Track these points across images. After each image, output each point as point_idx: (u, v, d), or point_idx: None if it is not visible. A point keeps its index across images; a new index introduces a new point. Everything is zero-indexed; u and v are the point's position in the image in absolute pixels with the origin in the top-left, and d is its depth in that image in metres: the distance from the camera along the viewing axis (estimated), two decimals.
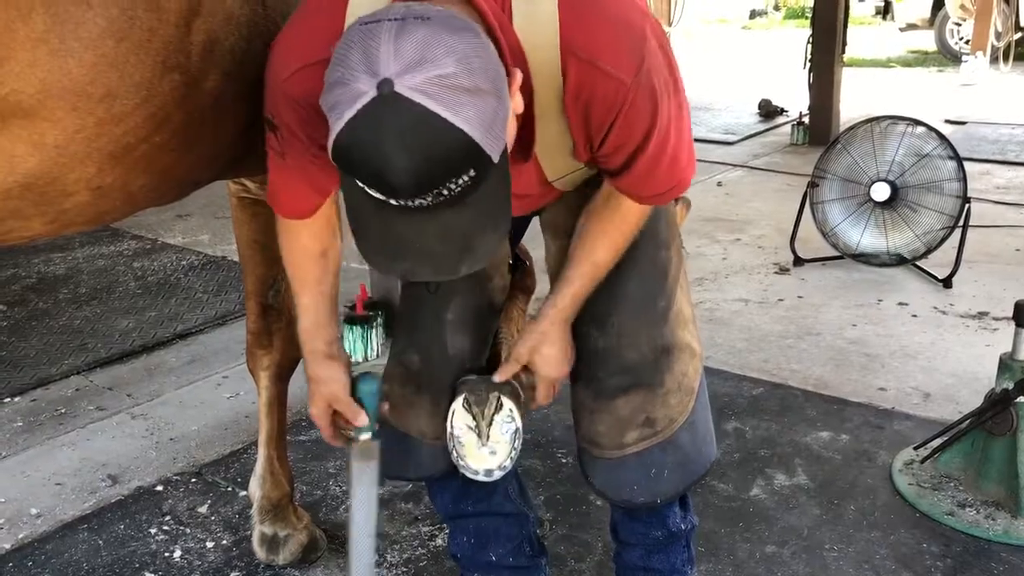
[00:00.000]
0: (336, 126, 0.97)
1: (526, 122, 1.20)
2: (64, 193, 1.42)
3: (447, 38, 0.97)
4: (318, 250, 1.48)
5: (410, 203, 1.00)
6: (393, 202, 1.01)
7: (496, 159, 1.02)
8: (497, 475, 1.52)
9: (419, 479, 1.70)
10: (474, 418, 1.50)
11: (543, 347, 1.48)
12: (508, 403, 1.50)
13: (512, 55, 1.15)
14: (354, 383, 1.48)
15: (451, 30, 0.99)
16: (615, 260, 1.46)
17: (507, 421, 1.49)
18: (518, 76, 1.10)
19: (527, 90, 1.17)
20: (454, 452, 1.53)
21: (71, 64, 1.28)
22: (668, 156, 1.31)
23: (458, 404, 1.52)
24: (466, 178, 0.99)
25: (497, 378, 1.51)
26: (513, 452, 1.51)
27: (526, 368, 1.52)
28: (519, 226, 1.73)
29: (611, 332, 1.51)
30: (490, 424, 1.50)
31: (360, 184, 1.02)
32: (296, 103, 1.22)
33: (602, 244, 1.43)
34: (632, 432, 1.50)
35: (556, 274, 1.54)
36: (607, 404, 1.51)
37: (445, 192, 0.99)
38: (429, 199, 0.99)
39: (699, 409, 1.57)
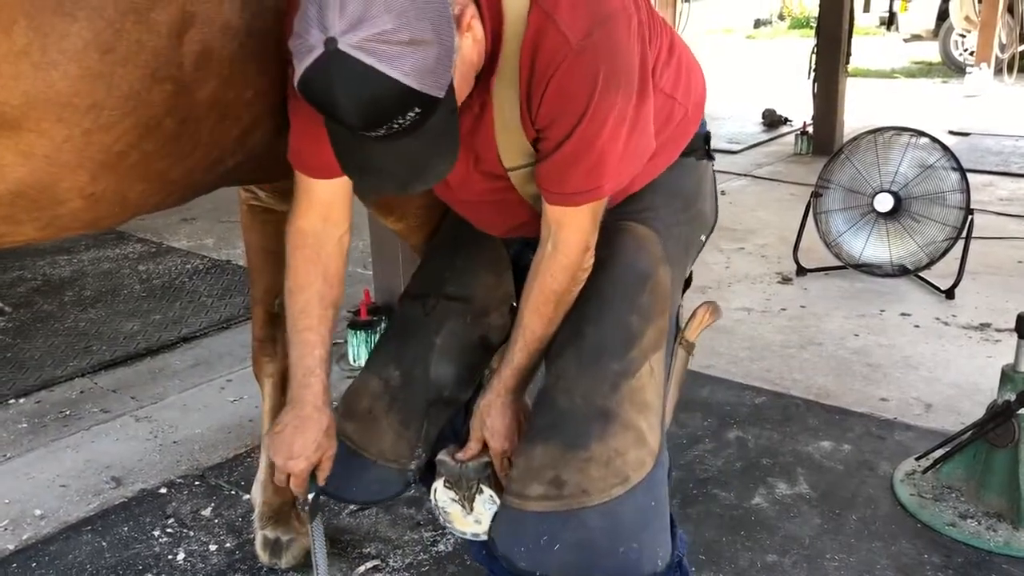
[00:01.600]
0: (296, 73, 1.13)
1: (492, 51, 1.27)
2: (56, 200, 1.43)
3: None
4: (331, 299, 1.52)
5: (368, 134, 1.15)
6: (356, 132, 1.16)
7: (440, 96, 1.13)
8: (483, 538, 1.50)
9: (360, 503, 1.68)
10: (456, 491, 1.51)
11: (487, 419, 1.47)
12: (487, 490, 1.48)
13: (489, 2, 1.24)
14: None
15: None
16: (550, 327, 1.45)
17: (489, 503, 1.48)
18: (470, 8, 1.20)
19: (495, 20, 1.25)
20: (441, 518, 1.55)
21: (55, 76, 1.29)
22: (595, 154, 1.31)
23: (439, 484, 1.52)
24: (412, 114, 1.12)
25: (461, 456, 1.49)
26: None
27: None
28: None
29: (552, 370, 1.44)
30: (472, 500, 1.50)
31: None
32: None
33: (535, 316, 1.44)
34: (538, 486, 1.36)
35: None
36: (526, 446, 1.41)
37: (395, 126, 1.13)
38: (383, 131, 1.14)
39: (629, 504, 1.35)
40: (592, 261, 1.44)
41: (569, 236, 1.39)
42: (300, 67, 1.12)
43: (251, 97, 1.51)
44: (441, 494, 1.53)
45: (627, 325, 1.42)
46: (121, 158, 1.43)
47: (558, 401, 1.40)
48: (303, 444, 1.47)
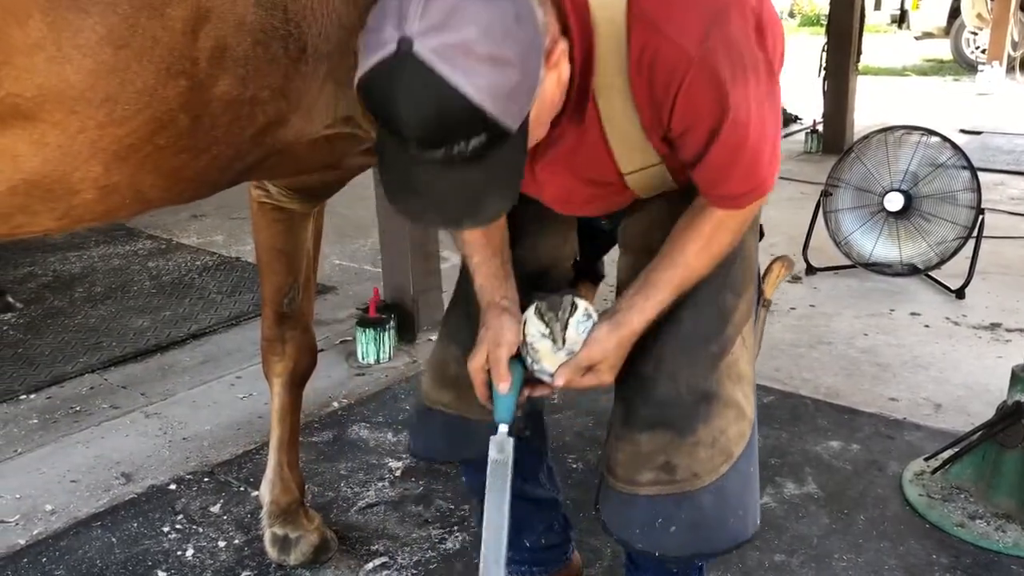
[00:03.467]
0: (361, 68, 1.04)
1: (581, 89, 1.19)
2: (71, 191, 1.45)
3: (479, 5, 1.00)
4: None
5: (424, 154, 1.05)
6: (411, 149, 1.06)
7: (513, 129, 1.04)
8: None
9: (480, 457, 1.56)
10: (547, 324, 1.43)
11: (612, 356, 1.39)
12: (582, 303, 1.43)
13: (575, 10, 1.14)
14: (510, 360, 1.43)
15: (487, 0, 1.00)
16: (708, 268, 1.36)
17: (584, 320, 1.42)
18: (561, 44, 1.11)
19: (586, 45, 1.16)
20: (529, 359, 1.46)
21: (69, 71, 1.30)
22: (749, 151, 1.22)
23: (530, 313, 1.45)
24: (476, 142, 1.03)
25: (559, 381, 1.41)
26: None
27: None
28: (596, 237, 1.66)
29: (650, 359, 1.41)
30: (565, 327, 1.42)
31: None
32: None
33: (694, 246, 1.33)
34: (648, 472, 1.39)
35: (625, 284, 1.47)
36: (630, 434, 1.41)
37: (455, 151, 1.03)
38: (440, 154, 1.04)
39: (734, 477, 1.40)
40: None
41: (738, 216, 1.34)
42: (365, 63, 1.03)
43: (267, 96, 1.51)
44: (531, 327, 1.44)
45: (722, 303, 1.42)
46: (134, 151, 1.44)
47: (660, 388, 1.41)
48: (497, 333, 1.42)
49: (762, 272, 1.67)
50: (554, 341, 1.42)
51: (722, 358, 1.41)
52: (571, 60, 1.15)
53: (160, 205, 1.68)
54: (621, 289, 1.48)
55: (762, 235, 1.60)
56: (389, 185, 1.14)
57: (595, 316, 1.42)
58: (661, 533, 1.38)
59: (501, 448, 1.43)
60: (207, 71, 1.45)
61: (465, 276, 1.61)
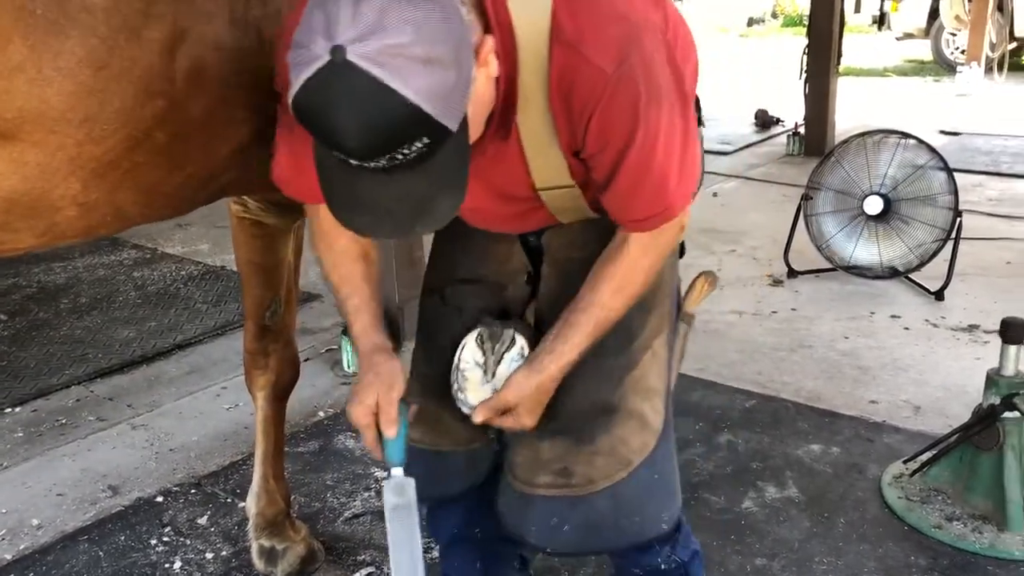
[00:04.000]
0: (293, 87, 1.00)
1: (507, 94, 1.21)
2: (52, 208, 1.47)
3: (407, 8, 0.98)
4: (359, 252, 1.46)
5: (367, 164, 1.03)
6: (352, 162, 1.04)
7: (453, 128, 1.03)
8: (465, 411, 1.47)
9: (461, 492, 1.61)
10: (484, 354, 1.47)
11: (530, 401, 1.41)
12: (521, 341, 1.46)
13: (500, 30, 1.16)
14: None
15: (414, 0, 0.99)
16: (625, 307, 1.39)
17: (517, 358, 1.45)
18: (488, 41, 1.11)
19: (510, 64, 1.18)
20: (455, 384, 1.49)
21: (49, 92, 1.33)
22: (655, 173, 1.26)
23: (471, 338, 1.48)
24: (419, 145, 1.01)
25: (477, 418, 1.44)
26: None
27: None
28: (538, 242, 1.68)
29: None
30: (499, 361, 1.46)
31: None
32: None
33: (609, 287, 1.37)
34: (546, 476, 1.44)
35: (545, 306, 1.51)
36: (532, 440, 1.46)
37: (399, 157, 1.02)
38: (384, 162, 1.02)
39: (631, 484, 1.44)
40: (683, 231, 1.41)
41: (655, 243, 1.37)
42: (298, 80, 0.99)
43: (242, 116, 1.54)
44: (468, 353, 1.48)
45: (629, 319, 1.43)
46: (112, 168, 1.46)
47: (561, 400, 1.44)
48: (388, 378, 1.40)
49: (685, 288, 1.72)
50: (484, 372, 1.46)
51: (628, 372, 1.45)
52: (498, 64, 1.16)
53: (141, 221, 1.70)
54: (543, 303, 1.52)
55: (683, 253, 1.65)
56: (334, 203, 1.13)
57: (527, 356, 1.44)
58: (555, 531, 1.45)
59: (401, 491, 1.41)
60: (184, 91, 1.48)
61: (424, 312, 1.65)
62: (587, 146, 1.25)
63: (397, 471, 1.41)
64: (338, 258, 1.47)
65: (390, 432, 1.38)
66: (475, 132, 1.16)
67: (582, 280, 1.41)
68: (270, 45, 1.53)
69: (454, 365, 1.50)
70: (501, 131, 1.24)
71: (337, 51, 0.96)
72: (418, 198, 1.10)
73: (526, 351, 1.45)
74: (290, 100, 1.01)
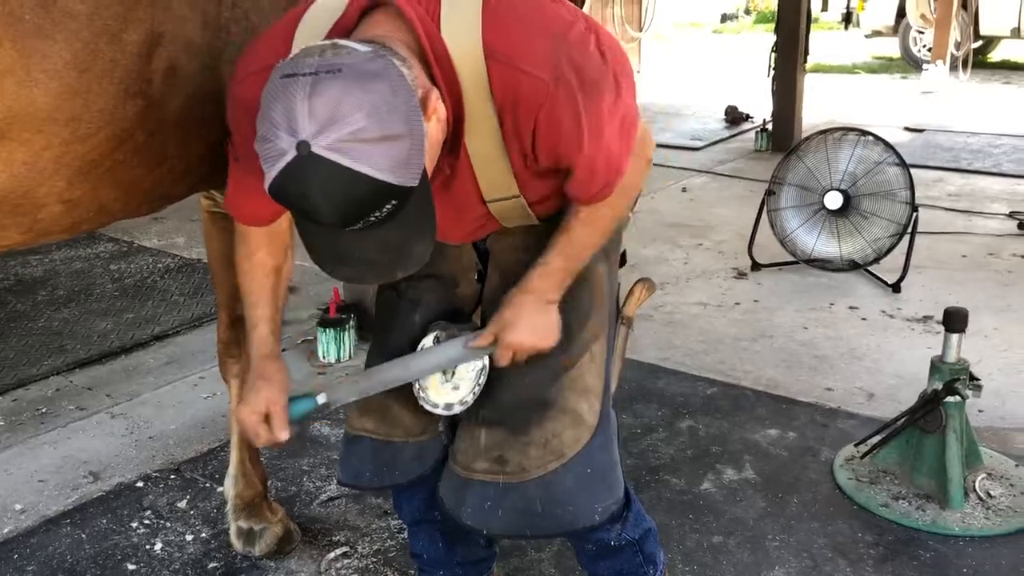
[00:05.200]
0: (267, 177, 1.12)
1: (455, 123, 1.30)
2: (37, 205, 1.55)
3: (356, 94, 1.09)
4: (273, 265, 1.59)
5: (343, 229, 1.15)
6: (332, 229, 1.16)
7: (416, 184, 1.14)
8: (457, 410, 1.57)
9: (408, 482, 1.71)
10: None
11: (506, 311, 1.52)
12: None
13: (439, 62, 1.27)
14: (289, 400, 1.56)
15: (361, 83, 1.09)
16: (591, 242, 1.50)
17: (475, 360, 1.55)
18: (433, 92, 1.21)
19: (454, 93, 1.29)
20: (416, 384, 1.59)
21: (37, 93, 1.42)
22: (604, 156, 1.37)
23: (428, 340, 1.58)
24: (388, 207, 1.13)
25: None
26: (476, 388, 1.56)
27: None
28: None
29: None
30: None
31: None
32: (247, 107, 1.31)
33: (577, 220, 1.47)
34: (483, 462, 1.56)
35: (488, 307, 1.61)
36: (472, 429, 1.58)
37: (372, 219, 1.14)
38: (360, 225, 1.14)
39: (564, 475, 1.55)
40: (649, 164, 1.50)
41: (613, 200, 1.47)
42: (271, 172, 1.11)
43: (214, 113, 1.62)
44: None
45: (567, 323, 1.55)
46: (95, 166, 1.55)
47: (502, 394, 1.57)
48: (280, 384, 1.55)
49: (624, 293, 1.82)
50: (444, 372, 1.57)
51: (566, 370, 1.57)
52: (438, 86, 1.26)
53: (121, 217, 1.79)
54: (486, 303, 1.63)
55: (623, 262, 1.77)
56: (317, 257, 1.24)
57: (486, 360, 1.56)
58: (489, 514, 1.55)
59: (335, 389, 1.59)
60: (161, 91, 1.57)
61: (381, 306, 1.74)
62: (538, 148, 1.35)
63: (320, 398, 1.56)
64: (254, 268, 1.59)
65: (282, 435, 1.52)
66: (432, 165, 1.27)
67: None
68: (237, 46, 1.62)
69: None
70: (453, 153, 1.35)
71: (302, 146, 1.08)
72: (393, 247, 1.21)
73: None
74: (266, 187, 1.13)
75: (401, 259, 1.24)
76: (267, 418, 1.52)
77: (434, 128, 1.22)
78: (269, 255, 1.58)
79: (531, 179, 1.42)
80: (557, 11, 1.34)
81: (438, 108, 1.22)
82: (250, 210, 1.53)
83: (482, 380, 1.56)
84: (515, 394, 1.56)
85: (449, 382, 1.58)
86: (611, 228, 1.54)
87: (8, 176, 1.48)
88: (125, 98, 1.52)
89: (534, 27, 1.30)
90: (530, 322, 1.51)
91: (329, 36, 1.26)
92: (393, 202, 1.13)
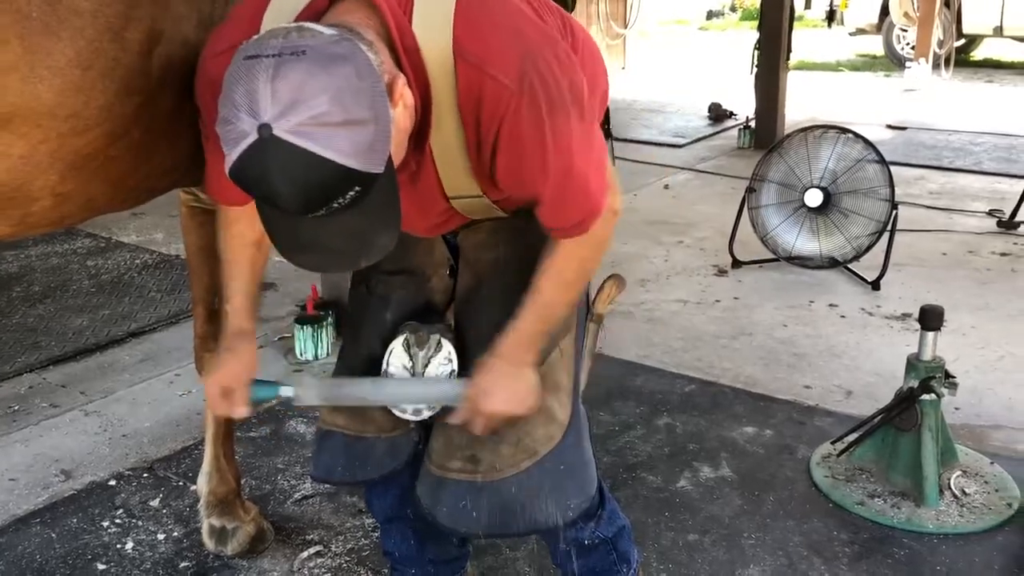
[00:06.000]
0: (228, 160, 1.09)
1: (422, 114, 1.28)
2: (29, 198, 1.55)
3: (320, 76, 1.06)
4: (252, 238, 1.56)
5: (305, 215, 1.13)
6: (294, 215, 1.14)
7: (380, 171, 1.12)
8: (426, 415, 1.56)
9: (380, 477, 1.69)
10: (411, 358, 1.55)
11: (481, 379, 1.49)
12: (448, 346, 1.54)
13: (408, 55, 1.24)
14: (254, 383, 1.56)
15: (325, 66, 1.07)
16: (563, 300, 1.48)
17: (444, 363, 1.54)
18: (400, 78, 1.19)
19: (422, 85, 1.26)
20: None
21: (41, 89, 1.43)
22: (576, 178, 1.34)
23: (397, 343, 1.56)
24: (352, 193, 1.10)
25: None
26: None
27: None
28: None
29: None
30: (426, 365, 1.54)
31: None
32: (213, 85, 1.28)
33: (546, 280, 1.45)
34: (456, 461, 1.55)
35: (460, 305, 1.61)
36: (445, 429, 1.56)
37: (335, 205, 1.11)
38: (323, 212, 1.12)
39: (537, 473, 1.53)
40: (616, 216, 1.45)
41: (590, 235, 1.43)
42: (232, 154, 1.08)
43: None
44: (395, 358, 1.56)
45: None
46: (89, 161, 1.55)
47: None
48: (246, 361, 1.55)
49: (594, 291, 1.82)
50: (413, 375, 1.55)
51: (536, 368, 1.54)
52: (408, 79, 1.23)
53: (106, 211, 1.79)
54: (459, 301, 1.62)
55: None
56: (279, 244, 1.21)
57: (455, 362, 1.55)
58: (464, 513, 1.54)
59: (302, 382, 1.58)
60: (158, 87, 1.58)
61: (353, 303, 1.72)
62: (499, 166, 1.32)
63: (286, 390, 1.55)
64: (234, 240, 1.57)
65: (239, 412, 1.54)
66: (399, 157, 1.24)
67: (494, 277, 1.53)
68: None
69: (383, 371, 1.58)
70: (418, 148, 1.33)
71: (263, 128, 1.05)
72: (356, 235, 1.19)
73: (453, 355, 1.55)
74: (227, 170, 1.10)
75: (364, 248, 1.21)
76: (229, 392, 1.52)
77: (401, 115, 1.19)
78: (249, 227, 1.54)
79: (491, 182, 1.40)
80: (537, 25, 1.32)
81: (405, 95, 1.20)
82: (221, 189, 1.49)
83: None
84: None
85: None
86: (583, 285, 1.53)
87: (4, 169, 1.48)
88: (125, 95, 1.54)
89: (508, 35, 1.28)
90: (505, 389, 1.48)
91: (298, 19, 1.23)
92: (357, 188, 1.10)
